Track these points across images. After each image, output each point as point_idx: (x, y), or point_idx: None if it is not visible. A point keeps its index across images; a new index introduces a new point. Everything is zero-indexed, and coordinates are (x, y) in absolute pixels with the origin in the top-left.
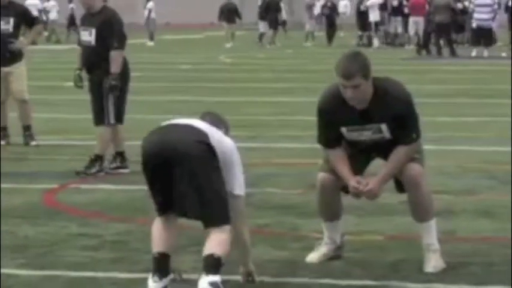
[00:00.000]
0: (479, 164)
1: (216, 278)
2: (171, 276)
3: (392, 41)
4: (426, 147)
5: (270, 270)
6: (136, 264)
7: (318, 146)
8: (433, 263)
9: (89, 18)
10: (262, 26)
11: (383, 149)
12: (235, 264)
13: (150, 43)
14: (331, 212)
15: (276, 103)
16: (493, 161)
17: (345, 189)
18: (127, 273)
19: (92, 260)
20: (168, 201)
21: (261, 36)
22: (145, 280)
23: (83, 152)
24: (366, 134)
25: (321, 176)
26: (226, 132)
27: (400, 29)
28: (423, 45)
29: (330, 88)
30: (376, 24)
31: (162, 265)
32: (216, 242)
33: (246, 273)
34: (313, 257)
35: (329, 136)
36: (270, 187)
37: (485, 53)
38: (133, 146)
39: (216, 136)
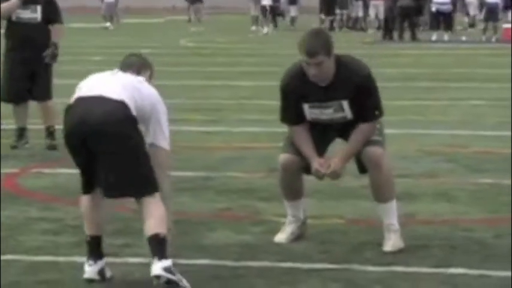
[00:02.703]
0: (440, 148)
1: (168, 262)
2: (105, 259)
3: (353, 25)
4: (387, 131)
5: (231, 254)
6: None
7: (278, 130)
8: (393, 242)
9: None
10: (294, 10)
11: (344, 132)
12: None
13: (110, 27)
14: (293, 192)
15: (235, 87)
16: (453, 145)
17: (307, 170)
18: None
19: (52, 244)
20: (92, 179)
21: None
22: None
23: (44, 135)
24: (327, 113)
25: (283, 157)
26: (151, 75)
27: (361, 13)
28: (386, 30)
29: (292, 66)
30: (267, 8)
31: (95, 248)
32: (157, 218)
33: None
34: (281, 237)
35: (293, 113)
36: (231, 171)
37: (446, 36)
38: None
39: (136, 95)
